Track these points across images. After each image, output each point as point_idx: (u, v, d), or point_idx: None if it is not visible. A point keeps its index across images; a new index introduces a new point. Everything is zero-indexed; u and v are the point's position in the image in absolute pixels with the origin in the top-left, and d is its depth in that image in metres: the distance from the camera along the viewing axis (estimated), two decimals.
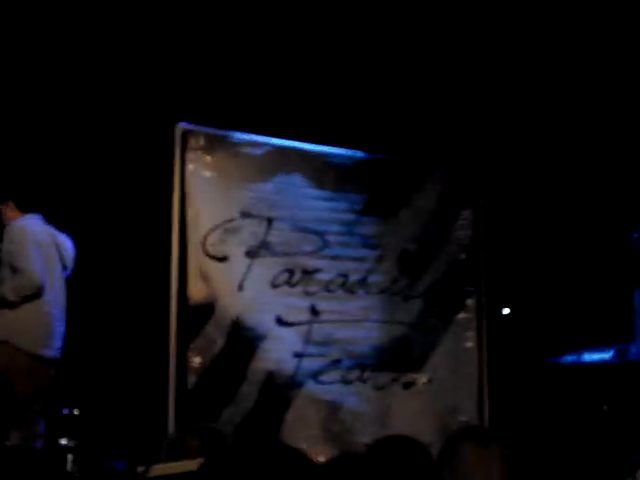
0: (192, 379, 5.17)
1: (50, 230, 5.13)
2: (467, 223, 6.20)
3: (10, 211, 5.09)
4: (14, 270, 4.84)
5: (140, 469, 3.17)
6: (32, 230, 4.97)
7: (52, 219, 5.16)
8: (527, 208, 6.68)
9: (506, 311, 6.47)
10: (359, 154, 5.93)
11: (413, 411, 5.76)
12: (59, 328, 5.01)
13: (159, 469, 3.15)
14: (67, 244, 5.19)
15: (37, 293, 4.87)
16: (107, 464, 5.04)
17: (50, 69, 5.89)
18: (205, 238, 5.29)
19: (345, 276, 5.73)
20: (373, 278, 5.82)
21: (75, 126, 6.03)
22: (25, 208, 5.09)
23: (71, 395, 5.43)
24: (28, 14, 5.67)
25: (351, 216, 5.82)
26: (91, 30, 5.83)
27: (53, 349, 4.95)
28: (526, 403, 6.15)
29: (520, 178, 6.65)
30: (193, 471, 2.80)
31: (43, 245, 4.97)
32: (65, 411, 5.47)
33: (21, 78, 5.87)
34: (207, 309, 5.24)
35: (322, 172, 5.76)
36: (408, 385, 5.83)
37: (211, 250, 5.31)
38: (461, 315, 6.08)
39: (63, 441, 5.21)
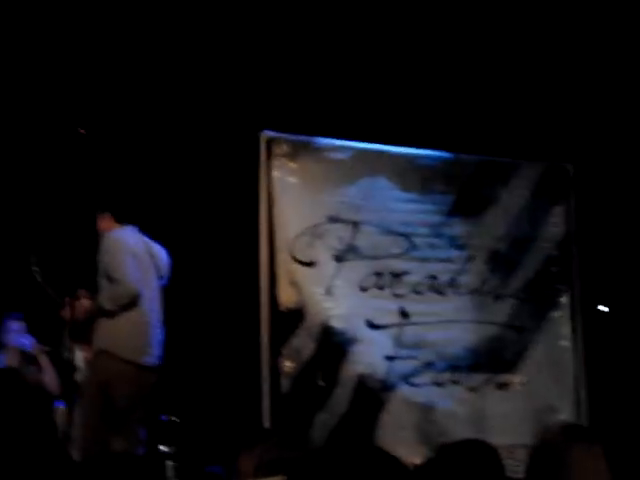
0: (285, 384, 5.22)
1: (145, 240, 5.22)
2: (559, 219, 6.07)
3: (106, 222, 5.20)
4: (110, 280, 4.95)
5: None
6: (127, 240, 5.08)
7: (145, 229, 5.26)
8: (620, 202, 6.51)
9: (604, 309, 6.30)
10: (444, 154, 5.89)
11: (508, 412, 5.67)
12: (157, 336, 5.09)
13: None
14: (161, 254, 5.27)
15: (133, 302, 4.97)
16: (206, 469, 5.12)
17: (139, 83, 6.04)
18: (292, 244, 5.33)
19: (434, 277, 5.69)
20: (463, 279, 5.76)
21: (164, 138, 6.17)
22: (120, 219, 5.20)
23: (168, 402, 5.53)
24: (113, 26, 5.83)
25: (438, 217, 5.77)
26: (177, 45, 5.95)
27: (152, 356, 5.04)
28: (625, 401, 5.98)
29: (611, 170, 6.48)
30: None
31: (138, 255, 5.06)
32: (164, 417, 5.57)
33: (114, 93, 6.04)
34: (297, 314, 5.28)
35: (407, 174, 5.74)
36: (502, 386, 5.74)
37: (299, 255, 5.35)
38: (555, 313, 5.96)
39: (162, 447, 5.30)
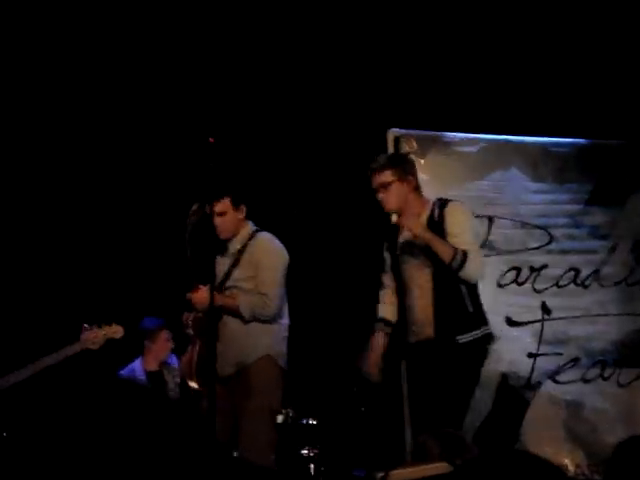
0: None
1: None
2: None
3: (241, 218, 4.86)
4: (258, 290, 4.72)
5: (379, 475, 3.16)
6: (284, 252, 4.81)
7: (276, 231, 5.13)
8: None
9: None
10: (580, 141, 5.66)
11: None
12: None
13: (397, 474, 3.12)
14: None
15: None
16: (350, 472, 5.07)
17: (265, 83, 6.10)
18: None
19: (576, 270, 5.48)
20: (607, 270, 5.53)
21: (291, 137, 6.21)
22: (258, 221, 5.03)
23: (306, 405, 5.51)
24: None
25: (577, 207, 5.57)
26: (300, 45, 5.99)
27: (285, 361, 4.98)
28: None
29: None
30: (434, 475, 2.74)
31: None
32: (303, 421, 5.54)
33: (239, 97, 6.12)
34: None
35: (541, 164, 5.57)
36: None
37: None
38: None
39: (304, 451, 5.27)
